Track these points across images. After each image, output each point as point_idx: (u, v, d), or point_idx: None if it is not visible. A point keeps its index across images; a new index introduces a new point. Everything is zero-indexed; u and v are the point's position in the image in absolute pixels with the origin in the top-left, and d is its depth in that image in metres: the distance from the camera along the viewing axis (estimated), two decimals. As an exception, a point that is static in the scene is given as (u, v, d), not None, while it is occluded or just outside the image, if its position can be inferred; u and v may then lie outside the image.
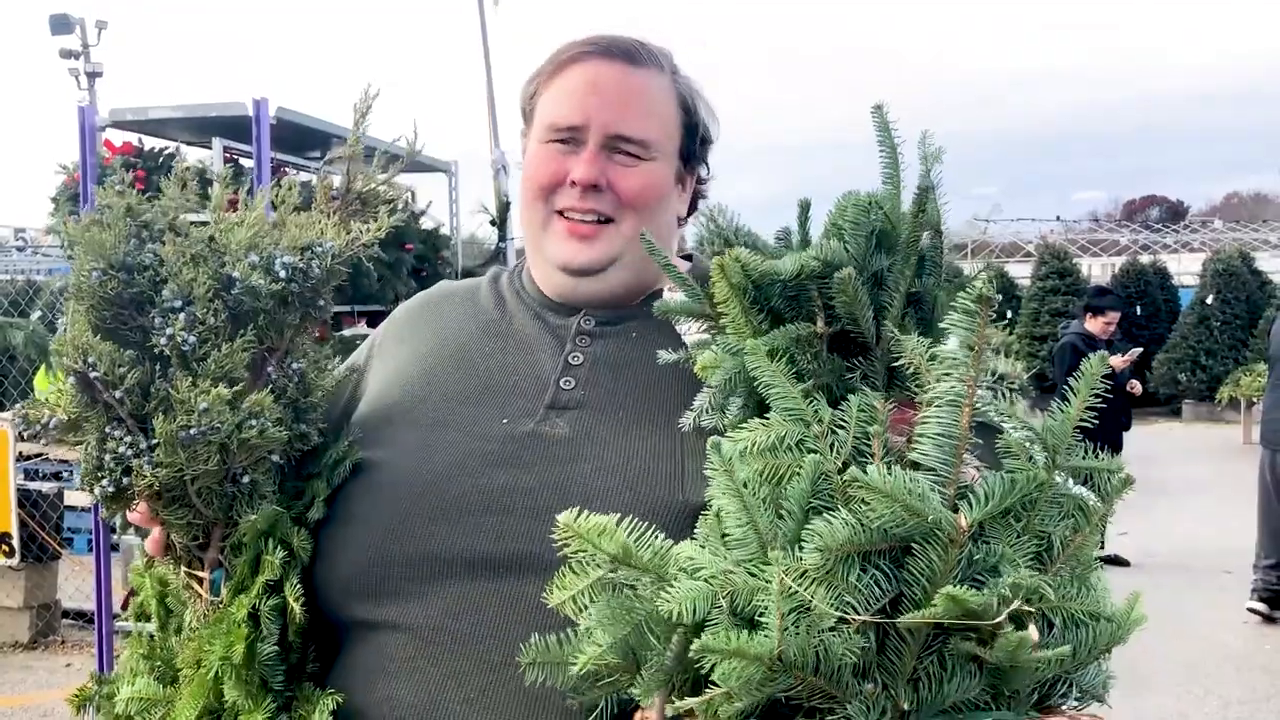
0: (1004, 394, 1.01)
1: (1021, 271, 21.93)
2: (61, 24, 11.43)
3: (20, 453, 6.93)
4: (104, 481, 1.27)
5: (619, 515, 0.97)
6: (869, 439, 0.99)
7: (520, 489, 1.27)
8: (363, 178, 1.45)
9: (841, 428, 1.01)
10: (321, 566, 1.31)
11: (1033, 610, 0.88)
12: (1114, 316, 8.78)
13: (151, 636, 1.39)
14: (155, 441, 1.24)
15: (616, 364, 1.38)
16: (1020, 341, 17.31)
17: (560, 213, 1.41)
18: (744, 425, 1.04)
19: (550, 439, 1.31)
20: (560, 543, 0.97)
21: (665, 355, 1.24)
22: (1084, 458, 0.99)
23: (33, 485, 6.85)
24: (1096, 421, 0.98)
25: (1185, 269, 23.58)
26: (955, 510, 0.89)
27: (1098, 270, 24.73)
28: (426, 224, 7.31)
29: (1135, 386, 8.93)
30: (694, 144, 1.46)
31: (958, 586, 0.84)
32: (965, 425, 0.91)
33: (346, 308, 6.13)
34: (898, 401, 1.06)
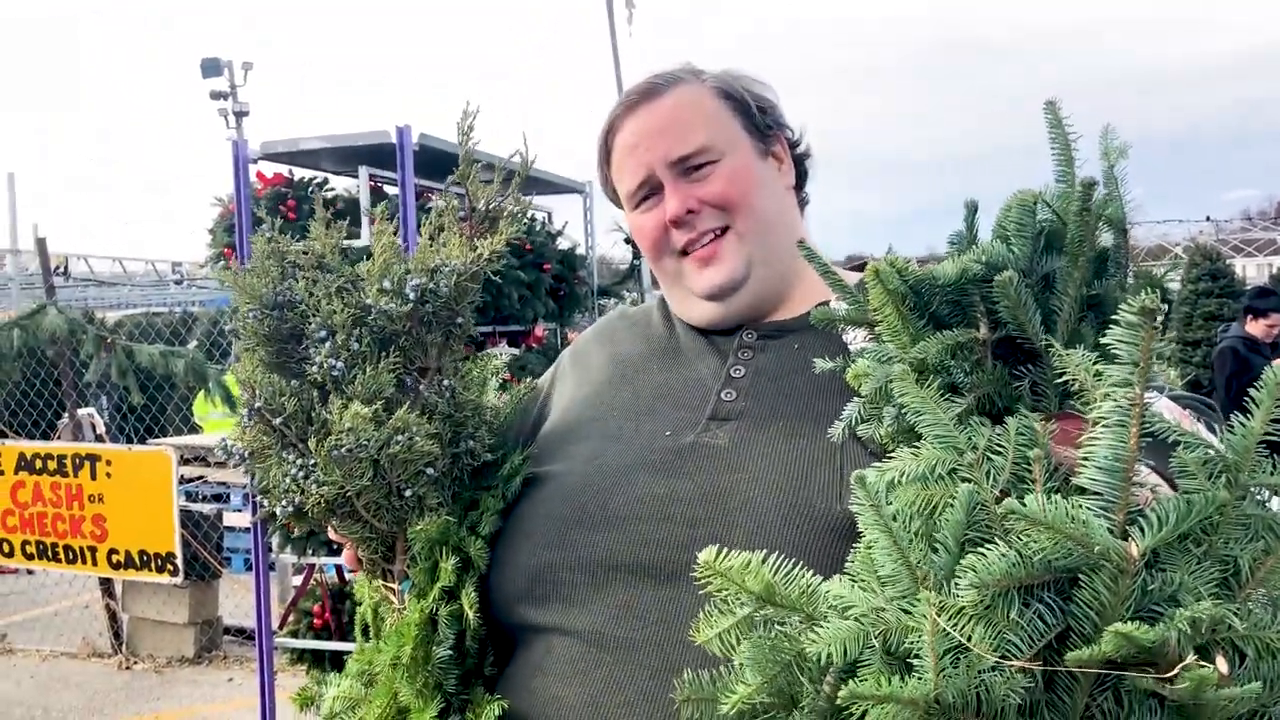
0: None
1: (1171, 275, 21.12)
2: (212, 68, 12.02)
3: (182, 475, 7.25)
4: (283, 502, 1.35)
5: (765, 551, 0.93)
6: (1029, 463, 0.91)
7: (679, 498, 1.29)
8: (485, 196, 1.48)
9: (998, 453, 0.94)
10: (494, 573, 1.37)
11: (1219, 642, 0.82)
12: (1277, 319, 8.36)
13: (365, 643, 1.46)
14: (315, 461, 1.32)
15: (778, 375, 1.39)
16: (1172, 347, 16.63)
17: (683, 252, 1.46)
18: (892, 455, 0.99)
19: (710, 449, 1.32)
20: (702, 580, 0.94)
21: (822, 363, 1.21)
22: (1270, 474, 0.89)
23: (194, 507, 7.17)
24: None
25: (1352, 265, 22.36)
26: (1125, 537, 0.82)
27: (1253, 271, 23.63)
28: (563, 244, 7.39)
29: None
30: (754, 117, 1.49)
31: (1131, 619, 0.78)
32: (1134, 447, 0.84)
33: (489, 328, 6.23)
34: (1063, 415, 1.00)
